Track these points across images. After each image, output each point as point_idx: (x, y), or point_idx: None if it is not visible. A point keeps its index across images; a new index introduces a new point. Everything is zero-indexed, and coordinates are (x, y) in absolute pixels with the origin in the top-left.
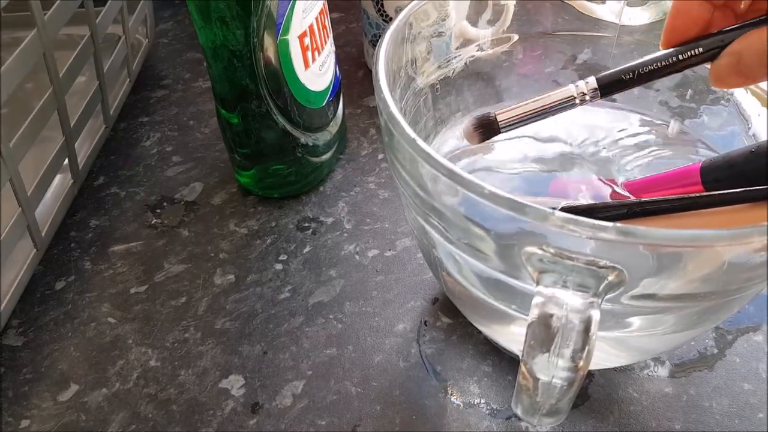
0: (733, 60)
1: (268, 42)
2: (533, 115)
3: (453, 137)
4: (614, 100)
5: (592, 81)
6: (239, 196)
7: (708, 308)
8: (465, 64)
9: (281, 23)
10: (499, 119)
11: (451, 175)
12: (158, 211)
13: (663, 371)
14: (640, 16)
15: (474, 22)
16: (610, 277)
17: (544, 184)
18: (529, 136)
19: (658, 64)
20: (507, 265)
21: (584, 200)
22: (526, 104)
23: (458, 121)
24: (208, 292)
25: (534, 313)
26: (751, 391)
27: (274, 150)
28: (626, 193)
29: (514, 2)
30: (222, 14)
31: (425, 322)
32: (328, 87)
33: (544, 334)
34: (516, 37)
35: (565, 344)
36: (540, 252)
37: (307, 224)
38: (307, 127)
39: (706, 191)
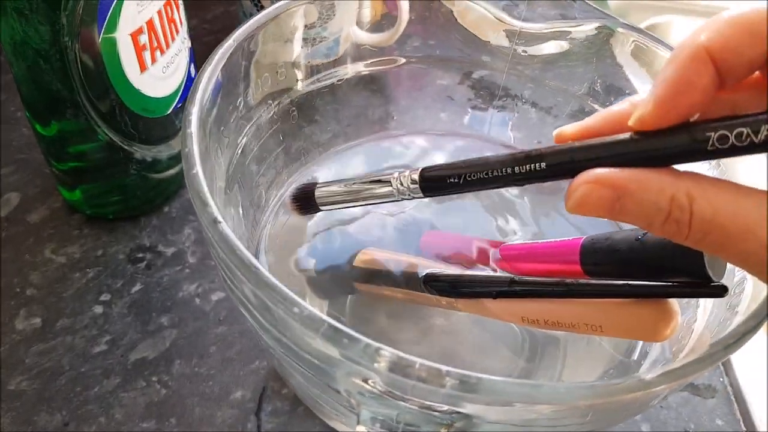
0: (611, 195)
1: (87, 41)
2: (351, 200)
3: (319, 172)
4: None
5: (416, 177)
6: (63, 214)
7: None
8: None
9: (104, 19)
10: (317, 195)
11: (262, 287)
12: None
13: None
14: (535, 50)
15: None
16: (453, 424)
17: (419, 234)
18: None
19: (489, 173)
20: (329, 386)
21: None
22: (346, 184)
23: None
24: (7, 339)
25: None
26: None
27: (99, 167)
28: (501, 260)
29: (406, 16)
30: (19, 5)
31: (269, 388)
32: (176, 91)
33: None
34: (402, 60)
35: None
36: (367, 386)
37: (141, 255)
38: (145, 139)
39: (585, 272)
